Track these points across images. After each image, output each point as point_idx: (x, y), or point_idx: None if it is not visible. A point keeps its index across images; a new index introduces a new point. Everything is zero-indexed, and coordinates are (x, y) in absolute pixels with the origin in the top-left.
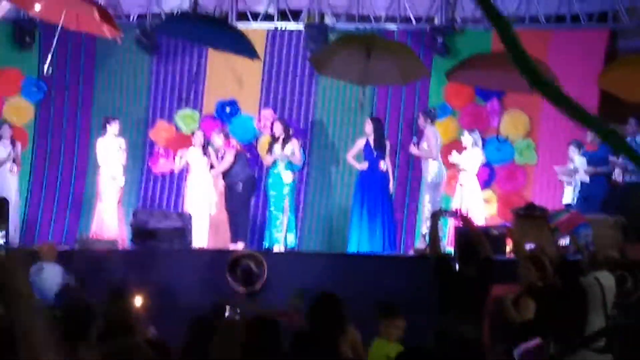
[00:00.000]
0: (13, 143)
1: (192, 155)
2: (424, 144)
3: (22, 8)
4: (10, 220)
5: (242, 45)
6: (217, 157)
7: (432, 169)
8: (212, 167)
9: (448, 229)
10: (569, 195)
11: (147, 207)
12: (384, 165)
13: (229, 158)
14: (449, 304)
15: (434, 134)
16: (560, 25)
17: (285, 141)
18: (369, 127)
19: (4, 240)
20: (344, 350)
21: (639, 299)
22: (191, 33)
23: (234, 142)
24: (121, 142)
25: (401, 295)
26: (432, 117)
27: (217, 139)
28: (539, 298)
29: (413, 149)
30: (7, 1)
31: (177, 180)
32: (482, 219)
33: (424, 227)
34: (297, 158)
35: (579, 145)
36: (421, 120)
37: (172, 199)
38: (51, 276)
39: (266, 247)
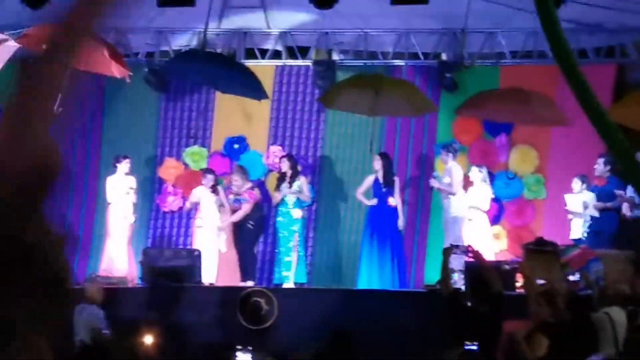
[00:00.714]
0: None
1: (202, 194)
2: (446, 179)
3: (31, 48)
4: None
5: (250, 86)
6: (225, 195)
7: (453, 204)
8: (221, 205)
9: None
10: (576, 230)
11: (156, 245)
12: (393, 201)
13: (246, 209)
14: (461, 339)
15: (456, 169)
16: None
17: (292, 178)
18: (377, 163)
19: None
20: None
21: None
22: (199, 73)
23: (256, 192)
24: (131, 180)
25: (412, 330)
26: (453, 152)
27: (238, 180)
28: (550, 334)
29: (434, 183)
30: (16, 42)
31: (186, 218)
32: (492, 254)
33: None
34: (306, 195)
35: (583, 179)
36: (443, 156)
37: (182, 236)
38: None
39: (276, 284)
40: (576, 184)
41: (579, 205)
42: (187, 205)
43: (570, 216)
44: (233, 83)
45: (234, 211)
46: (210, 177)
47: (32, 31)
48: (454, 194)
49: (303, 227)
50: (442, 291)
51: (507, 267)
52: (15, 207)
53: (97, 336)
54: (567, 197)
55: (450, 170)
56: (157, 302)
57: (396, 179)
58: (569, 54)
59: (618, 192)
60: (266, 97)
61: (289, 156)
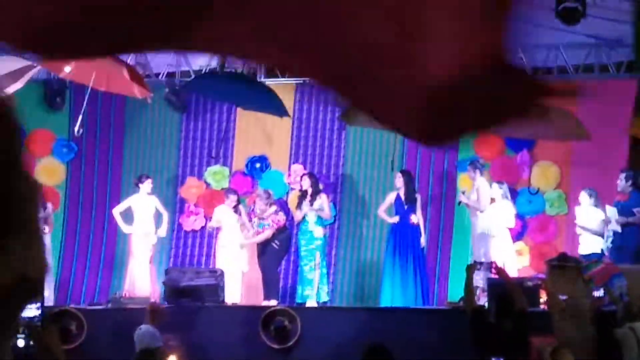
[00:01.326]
0: (43, 204)
1: (224, 213)
2: (473, 195)
3: (53, 71)
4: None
5: (270, 103)
6: (248, 216)
7: (480, 221)
8: (243, 224)
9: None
10: (586, 246)
11: (178, 265)
12: (415, 218)
13: (268, 234)
14: (486, 356)
15: (484, 186)
16: (588, 75)
17: (313, 196)
18: (399, 181)
19: (40, 312)
20: None
21: None
22: (220, 92)
23: (281, 217)
24: (154, 199)
25: (436, 348)
26: (480, 168)
27: (261, 205)
28: (575, 350)
29: (463, 199)
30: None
31: (208, 237)
32: (515, 271)
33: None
34: (327, 213)
35: (590, 193)
36: (470, 172)
37: (204, 255)
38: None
39: (299, 302)
40: (583, 197)
41: (589, 220)
42: (211, 225)
43: (578, 231)
44: (254, 100)
45: (258, 233)
46: (233, 197)
47: None
48: (482, 211)
49: (325, 246)
50: (466, 308)
51: (530, 283)
52: None
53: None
54: (577, 210)
55: (477, 186)
56: (180, 322)
57: (418, 196)
58: None
59: (636, 209)
60: (287, 114)
61: (310, 174)
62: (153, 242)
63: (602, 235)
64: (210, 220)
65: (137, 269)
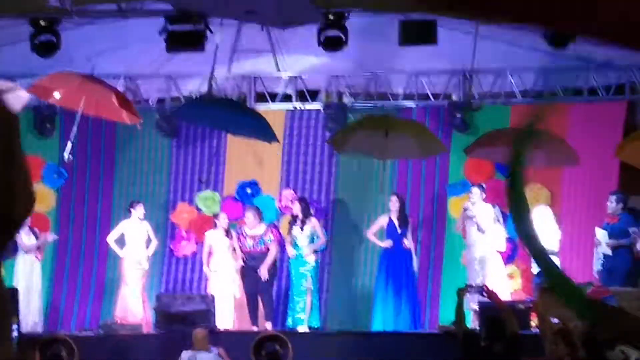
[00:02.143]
0: (33, 230)
1: (215, 238)
2: (477, 218)
3: (42, 98)
4: (34, 307)
5: (260, 129)
6: (237, 238)
7: (479, 244)
8: (234, 249)
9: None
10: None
11: (170, 290)
12: (408, 242)
13: (275, 250)
14: None
15: (487, 208)
16: (578, 98)
17: (304, 221)
18: (394, 205)
19: (17, 333)
20: None
21: None
22: (209, 118)
23: (276, 232)
24: (146, 225)
25: None
26: (482, 190)
27: (250, 218)
28: None
29: (469, 213)
30: (27, 91)
31: (199, 263)
32: (507, 294)
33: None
34: (322, 240)
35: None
36: (474, 195)
37: (195, 281)
38: None
39: (290, 328)
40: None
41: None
42: (205, 250)
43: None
44: (243, 126)
45: (250, 253)
46: (223, 220)
47: (43, 82)
48: (483, 232)
49: (316, 270)
50: (457, 332)
51: (521, 306)
52: None
53: None
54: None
55: (481, 209)
56: (171, 348)
57: (409, 220)
58: None
59: (632, 229)
60: (276, 140)
61: (301, 199)
62: (145, 268)
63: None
64: (201, 246)
65: (129, 296)
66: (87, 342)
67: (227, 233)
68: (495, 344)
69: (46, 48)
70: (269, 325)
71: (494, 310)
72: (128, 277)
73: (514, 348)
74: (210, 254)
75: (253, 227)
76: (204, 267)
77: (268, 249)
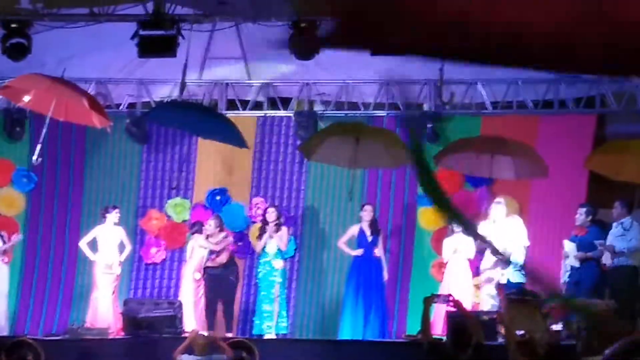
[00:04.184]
0: (0, 235)
1: (198, 244)
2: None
3: (12, 100)
4: (0, 310)
5: (230, 134)
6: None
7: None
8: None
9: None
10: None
11: (139, 297)
12: (379, 251)
13: (225, 257)
14: None
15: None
16: (548, 110)
17: (277, 228)
18: (368, 214)
19: None
20: None
21: None
22: (179, 121)
23: (230, 239)
24: (120, 231)
25: None
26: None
27: (212, 225)
28: None
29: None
30: None
31: (168, 269)
32: (473, 305)
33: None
34: (284, 243)
35: None
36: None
37: (164, 287)
38: None
39: (257, 334)
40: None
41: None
42: (187, 254)
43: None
44: (214, 130)
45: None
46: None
47: (13, 83)
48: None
49: (284, 278)
50: (422, 341)
51: (486, 317)
52: None
53: None
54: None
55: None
56: (137, 353)
57: (380, 229)
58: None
59: (599, 242)
60: (246, 146)
61: (276, 207)
62: (117, 273)
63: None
64: (171, 252)
65: (100, 300)
66: (54, 346)
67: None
68: (460, 353)
69: (17, 51)
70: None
71: (459, 319)
72: (99, 282)
73: (479, 358)
74: (185, 260)
75: (212, 232)
76: (195, 273)
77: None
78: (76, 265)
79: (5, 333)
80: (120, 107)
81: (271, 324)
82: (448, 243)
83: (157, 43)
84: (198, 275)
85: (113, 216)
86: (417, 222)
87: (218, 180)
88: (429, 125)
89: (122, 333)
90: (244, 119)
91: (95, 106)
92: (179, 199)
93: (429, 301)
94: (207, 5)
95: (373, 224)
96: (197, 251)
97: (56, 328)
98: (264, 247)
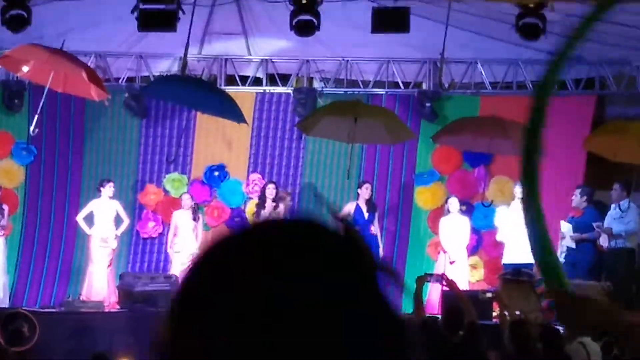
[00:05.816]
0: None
1: (182, 218)
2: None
3: (10, 70)
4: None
5: (229, 109)
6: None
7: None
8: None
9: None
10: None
11: (136, 270)
12: (375, 229)
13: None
14: None
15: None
16: None
17: (276, 205)
18: (366, 192)
19: None
20: None
21: None
22: (178, 95)
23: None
24: (116, 204)
25: None
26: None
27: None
28: None
29: None
30: None
31: (165, 244)
32: (468, 284)
33: None
34: None
35: None
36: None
37: (161, 261)
38: None
39: None
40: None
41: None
42: (171, 231)
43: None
44: (212, 105)
45: None
46: (187, 196)
47: (12, 53)
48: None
49: None
50: (416, 319)
51: (484, 296)
52: None
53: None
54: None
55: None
56: (133, 327)
57: (376, 207)
58: None
59: (596, 224)
60: (245, 121)
61: (275, 183)
62: (113, 247)
63: None
64: (168, 227)
65: (95, 274)
66: (49, 318)
67: (194, 215)
68: (453, 332)
69: (17, 22)
70: None
71: (453, 299)
72: (95, 256)
73: (472, 337)
74: (175, 234)
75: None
76: (168, 249)
77: None
78: (75, 239)
79: (4, 305)
80: (120, 81)
81: None
82: (444, 223)
83: (157, 17)
84: (178, 248)
85: (107, 190)
86: (414, 201)
87: (216, 156)
88: (427, 105)
89: (118, 306)
90: (243, 95)
91: (93, 79)
92: (177, 175)
93: (421, 280)
94: None
95: (370, 202)
96: (183, 226)
97: (54, 301)
98: None
